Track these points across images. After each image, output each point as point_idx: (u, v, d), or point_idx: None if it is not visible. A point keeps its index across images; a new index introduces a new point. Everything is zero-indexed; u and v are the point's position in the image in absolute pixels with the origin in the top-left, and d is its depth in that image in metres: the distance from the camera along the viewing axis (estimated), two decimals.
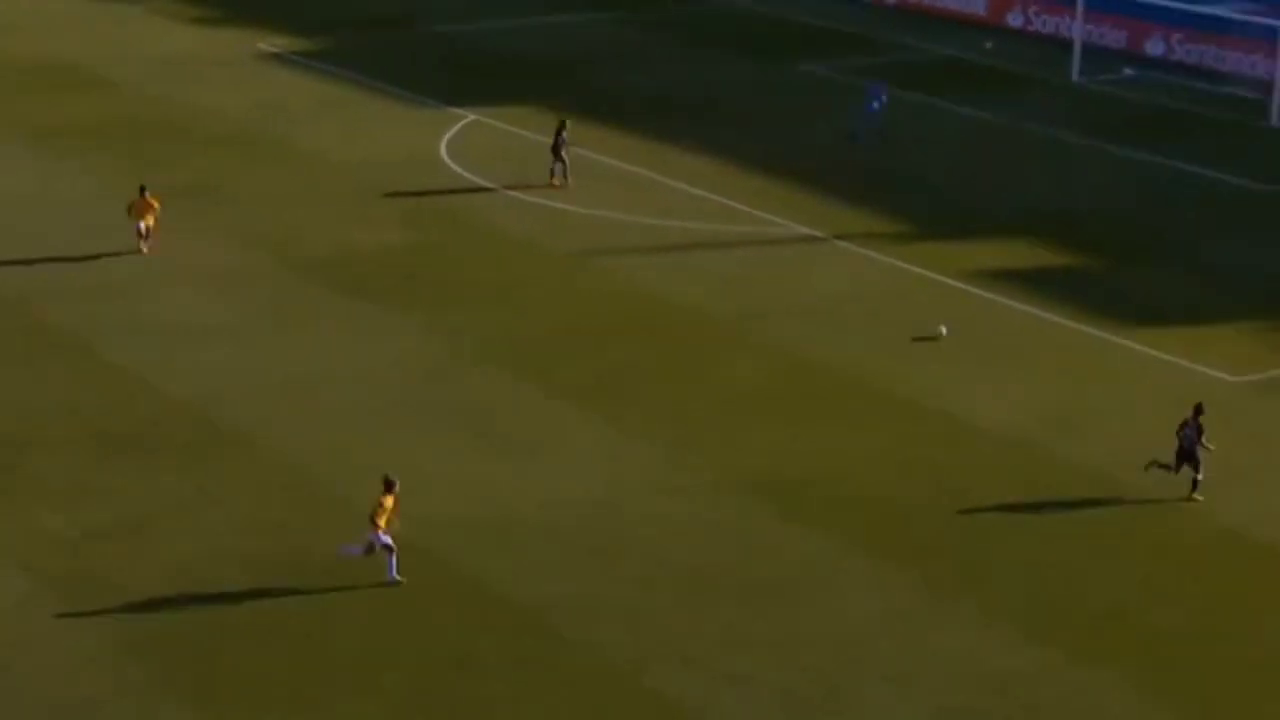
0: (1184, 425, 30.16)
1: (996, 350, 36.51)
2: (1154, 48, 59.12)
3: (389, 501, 27.43)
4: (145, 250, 40.31)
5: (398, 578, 27.49)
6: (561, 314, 38.14)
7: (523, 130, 50.86)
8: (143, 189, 40.53)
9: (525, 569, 27.99)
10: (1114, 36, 59.80)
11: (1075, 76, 57.09)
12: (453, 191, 45.93)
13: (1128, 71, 57.99)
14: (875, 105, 50.01)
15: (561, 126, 45.75)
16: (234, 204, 44.67)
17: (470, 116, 52.33)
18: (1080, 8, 57.92)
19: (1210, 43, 57.54)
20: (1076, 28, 58.41)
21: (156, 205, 40.59)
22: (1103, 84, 56.73)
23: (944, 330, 33.87)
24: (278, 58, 59.25)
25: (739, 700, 24.80)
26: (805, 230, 43.27)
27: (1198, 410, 30.26)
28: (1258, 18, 54.59)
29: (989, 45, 60.95)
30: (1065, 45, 58.92)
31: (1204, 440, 29.95)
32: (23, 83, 55.48)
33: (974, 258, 41.51)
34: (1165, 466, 30.26)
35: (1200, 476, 30.07)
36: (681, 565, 28.18)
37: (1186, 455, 30.05)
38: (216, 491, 30.26)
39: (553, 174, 45.73)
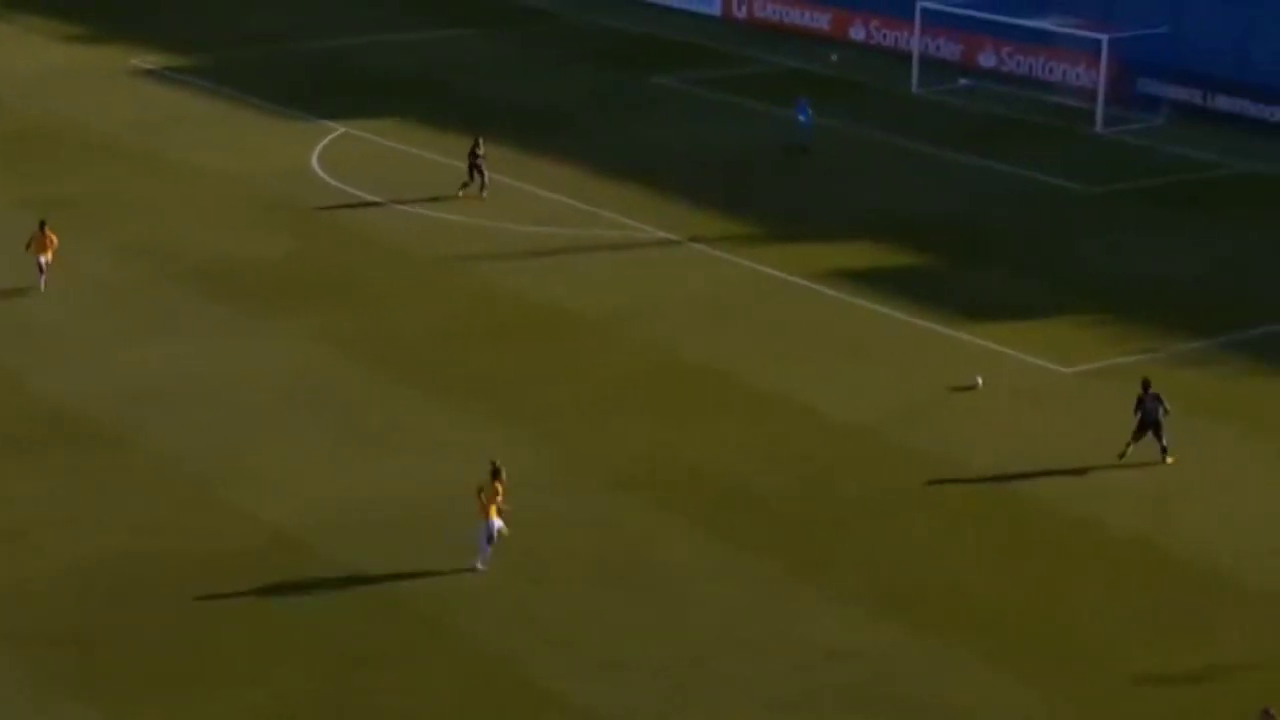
0: (1141, 401, 31.67)
1: (845, 346, 37.18)
2: (986, 60, 60.27)
3: (499, 487, 27.59)
4: (44, 287, 38.26)
5: (480, 567, 27.58)
6: (435, 318, 38.23)
7: (391, 142, 50.80)
8: (43, 224, 38.73)
9: (407, 565, 28.08)
10: (949, 49, 60.88)
11: (914, 87, 58.08)
12: (325, 201, 45.77)
13: (963, 82, 59.11)
14: (803, 117, 50.84)
15: (476, 143, 45.35)
16: (110, 216, 44.18)
17: (340, 129, 52.15)
18: (918, 22, 58.93)
19: (1038, 54, 58.80)
20: (914, 41, 59.43)
21: (56, 240, 38.58)
22: (940, 94, 57.78)
23: (980, 381, 34.45)
24: (151, 74, 58.58)
25: (615, 684, 25.12)
26: (663, 234, 43.71)
27: (1146, 384, 31.79)
28: (1080, 31, 55.85)
29: (834, 58, 61.77)
30: (905, 57, 59.91)
31: (1166, 407, 31.49)
32: None
33: (823, 259, 42.19)
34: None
35: (1165, 443, 31.51)
36: (558, 557, 28.44)
37: (1149, 425, 31.45)
38: (98, 494, 30.01)
39: (464, 186, 45.21)
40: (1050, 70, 58.50)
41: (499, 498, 27.72)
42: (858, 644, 26.18)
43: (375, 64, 60.77)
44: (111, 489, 30.15)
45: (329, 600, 27.04)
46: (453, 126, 52.28)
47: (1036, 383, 33.40)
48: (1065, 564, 28.69)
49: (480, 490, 27.88)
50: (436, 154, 49.69)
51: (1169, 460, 31.66)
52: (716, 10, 68.45)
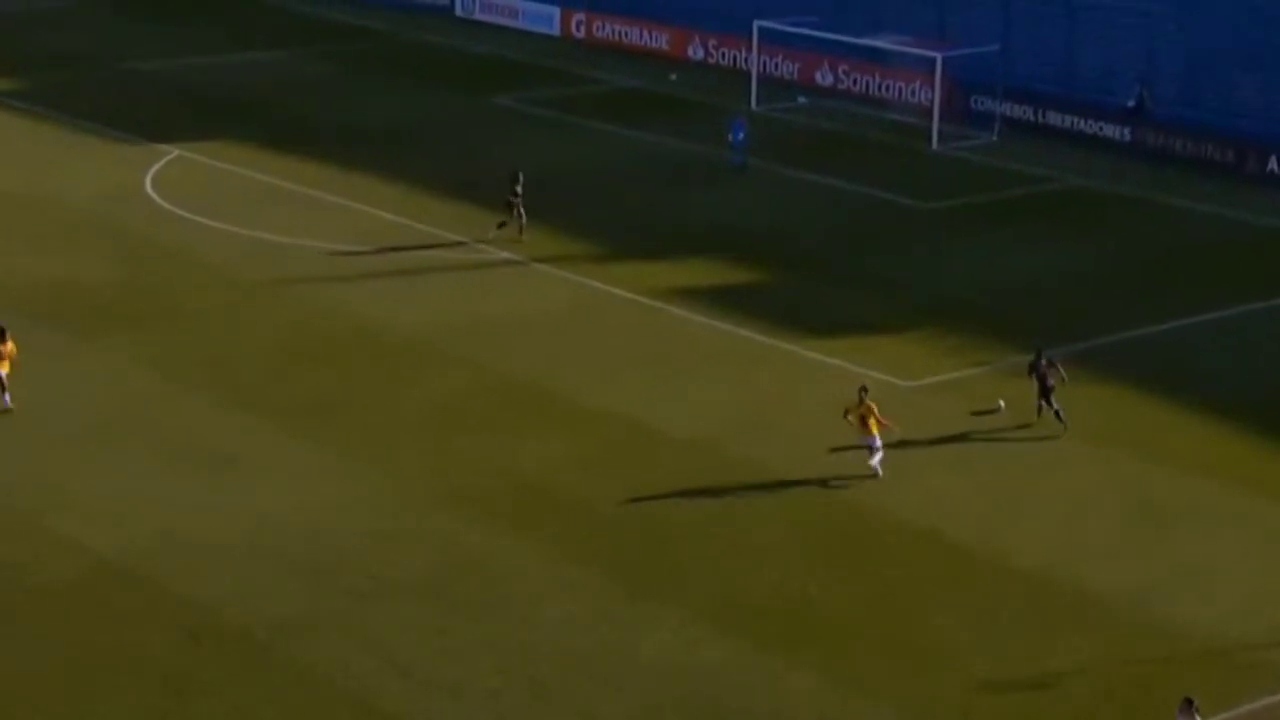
0: (1033, 366, 33.24)
1: (683, 362, 37.06)
2: (823, 78, 60.75)
3: (871, 405, 31.02)
4: (9, 403, 33.28)
5: (879, 469, 31.04)
6: (265, 339, 37.51)
7: (226, 164, 49.92)
8: (3, 330, 33.62)
9: (236, 589, 27.40)
10: (787, 68, 61.27)
11: (753, 105, 58.32)
12: (156, 225, 44.83)
13: (800, 100, 59.49)
14: (740, 135, 50.88)
15: (515, 180, 43.63)
16: None
17: (174, 152, 51.17)
18: (755, 41, 59.23)
19: (874, 73, 59.36)
20: (752, 59, 59.72)
21: (13, 350, 33.52)
22: (778, 111, 58.08)
23: (1002, 404, 34.25)
24: None
25: (452, 708, 24.65)
26: (500, 254, 43.34)
27: (1039, 351, 33.47)
28: (915, 49, 56.49)
29: (673, 77, 61.90)
30: (743, 76, 60.17)
31: (1062, 375, 33.08)
32: None
33: (661, 276, 42.08)
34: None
35: (1058, 408, 32.99)
36: (391, 578, 27.91)
37: (1045, 392, 32.90)
38: None
39: (501, 225, 43.38)
40: (886, 88, 59.08)
41: (874, 416, 31.06)
42: (699, 660, 25.95)
43: (206, 86, 59.81)
44: None
45: (155, 630, 26.26)
46: (289, 148, 51.55)
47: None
48: (904, 574, 28.72)
49: (847, 411, 31.37)
50: (272, 176, 48.91)
51: (1064, 423, 33.13)
52: (555, 30, 68.35)
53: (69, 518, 29.36)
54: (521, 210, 43.82)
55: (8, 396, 33.18)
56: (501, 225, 43.87)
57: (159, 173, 49.27)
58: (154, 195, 47.24)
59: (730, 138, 51.57)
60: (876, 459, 31.39)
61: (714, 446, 32.94)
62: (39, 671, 25.12)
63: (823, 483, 31.52)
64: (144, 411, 33.65)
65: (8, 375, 33.16)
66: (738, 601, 27.60)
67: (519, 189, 43.83)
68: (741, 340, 38.39)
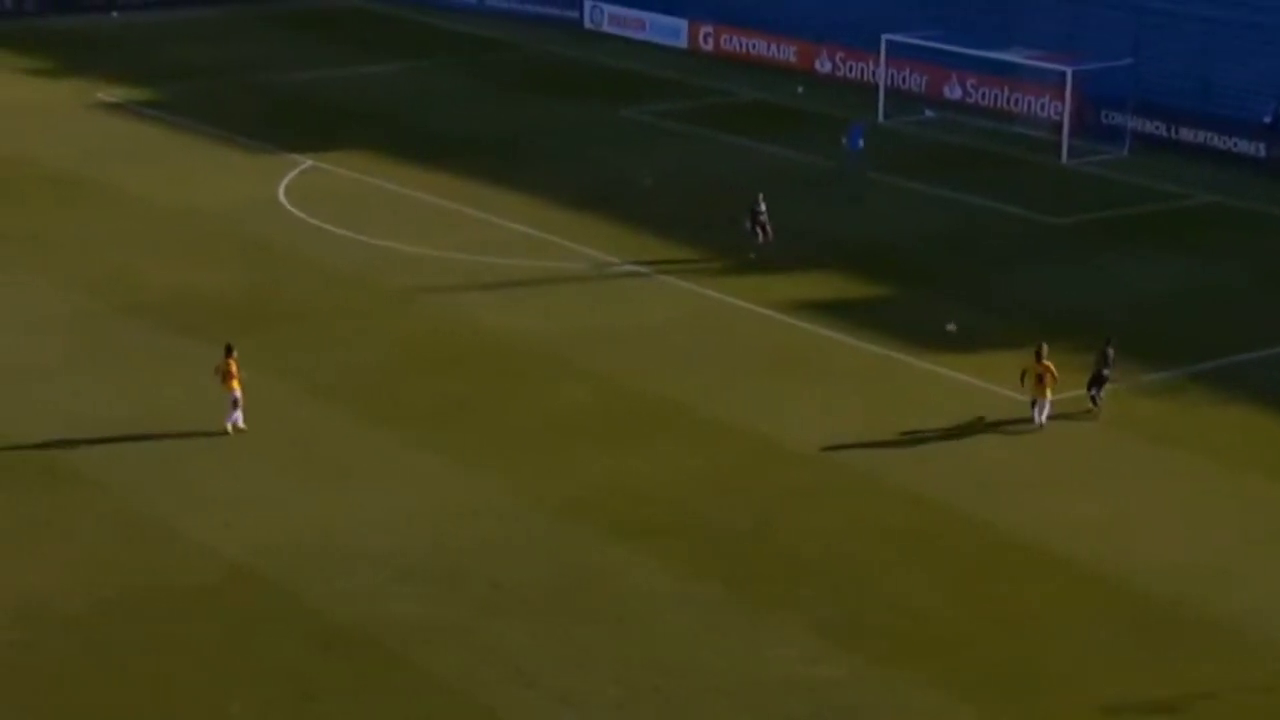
0: (1102, 355, 34.26)
1: (806, 375, 36.99)
2: (952, 91, 60.39)
3: (1048, 364, 33.07)
4: (240, 427, 33.30)
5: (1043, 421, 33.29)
6: (393, 348, 37.97)
7: (358, 174, 50.59)
8: (229, 348, 33.75)
9: (363, 595, 27.76)
10: (915, 80, 60.98)
11: (881, 118, 58.13)
12: (289, 234, 45.55)
13: (928, 113, 59.19)
14: (860, 143, 51.12)
15: (757, 201, 43.82)
16: (67, 249, 43.84)
17: (307, 162, 51.96)
18: (883, 54, 59.03)
19: (1003, 86, 58.91)
20: (880, 73, 59.52)
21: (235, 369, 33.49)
22: (905, 125, 57.82)
23: (952, 327, 36.33)
24: (116, 107, 58.36)
25: (574, 716, 24.80)
26: (627, 265, 43.56)
27: (1108, 340, 34.28)
28: (1045, 63, 56.01)
29: (800, 90, 61.84)
30: (870, 89, 59.98)
31: (1109, 365, 34.11)
32: None
33: (785, 288, 42.05)
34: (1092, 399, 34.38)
35: (1097, 394, 34.17)
36: (516, 587, 28.13)
37: (1097, 380, 34.01)
38: (57, 528, 29.64)
39: (754, 249, 43.50)
40: (1015, 102, 58.62)
41: (1050, 374, 32.78)
42: (821, 675, 25.89)
43: (340, 97, 60.67)
44: (68, 523, 29.76)
45: (285, 635, 26.68)
46: (419, 158, 52.17)
47: (1000, 414, 33.26)
48: (1025, 593, 28.46)
49: (1024, 373, 33.30)
50: (402, 186, 49.50)
51: (1091, 410, 34.25)
52: (683, 42, 68.57)
53: (202, 522, 29.92)
54: (767, 226, 43.77)
55: (239, 415, 33.13)
56: (754, 248, 43.72)
57: (292, 183, 50.07)
58: (287, 205, 48.02)
59: (848, 144, 51.59)
60: (1045, 415, 33.39)
61: (836, 461, 32.86)
62: (171, 674, 25.61)
63: (945, 500, 31.33)
64: (274, 418, 34.19)
65: (241, 394, 33.14)
66: (859, 617, 27.51)
67: (761, 208, 43.80)
68: (865, 354, 38.26)
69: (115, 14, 72.74)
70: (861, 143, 51.61)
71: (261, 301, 40.55)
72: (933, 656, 26.47)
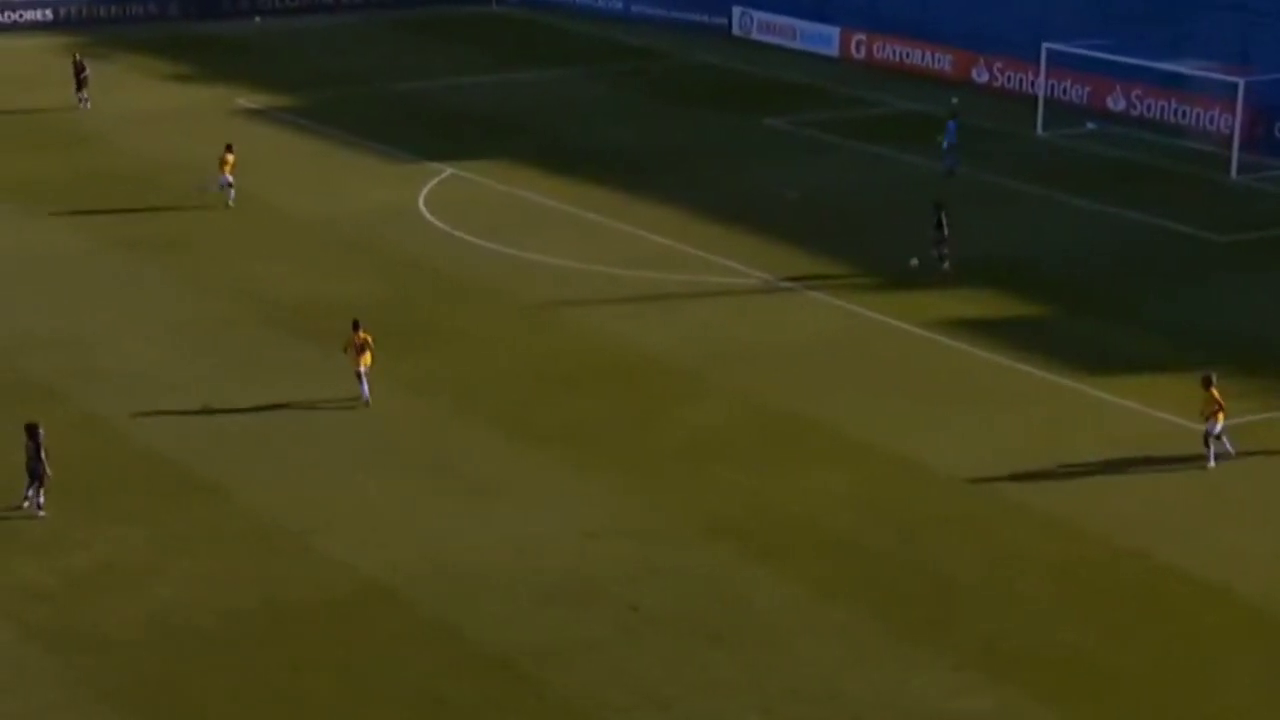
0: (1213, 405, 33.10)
1: (956, 396, 36.68)
2: (1115, 103, 59.62)
3: (1216, 395, 32.39)
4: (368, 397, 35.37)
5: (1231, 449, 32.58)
6: (530, 362, 38.24)
7: (498, 183, 51.05)
8: (356, 323, 35.81)
9: (496, 614, 27.98)
10: (1076, 92, 60.30)
11: (1039, 130, 57.53)
12: (428, 243, 46.07)
13: (1090, 126, 58.47)
14: (954, 140, 51.31)
15: (939, 209, 43.72)
16: (206, 256, 44.71)
17: (448, 171, 52.54)
18: (1044, 64, 58.42)
19: (1170, 98, 58.03)
20: (1040, 84, 58.90)
21: (368, 338, 35.60)
22: (1066, 138, 57.17)
23: (915, 262, 36.24)
24: (257, 113, 59.44)
25: None
26: (770, 279, 43.49)
27: (1207, 381, 33.08)
28: (1215, 74, 55.08)
29: (955, 101, 61.38)
30: (1029, 100, 59.39)
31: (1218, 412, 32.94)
32: (2, 138, 55.54)
33: (938, 306, 41.74)
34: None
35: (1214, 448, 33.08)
36: (651, 609, 28.18)
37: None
38: (189, 541, 30.20)
39: (940, 258, 43.41)
40: (1183, 115, 57.73)
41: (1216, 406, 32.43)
42: (968, 708, 25.64)
43: (482, 105, 61.29)
44: (204, 536, 30.32)
45: (416, 653, 26.95)
46: (560, 168, 52.52)
47: (1162, 440, 32.72)
48: (1190, 631, 27.95)
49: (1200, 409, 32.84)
50: (543, 196, 49.86)
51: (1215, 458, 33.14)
52: (834, 51, 68.38)
53: (335, 538, 30.33)
54: (948, 238, 43.66)
55: (366, 389, 35.09)
56: (942, 259, 43.56)
57: (432, 192, 50.65)
58: (426, 214, 48.57)
59: (943, 142, 51.38)
60: (1223, 442, 32.90)
61: (986, 487, 32.53)
62: (303, 691, 25.98)
63: (1101, 530, 30.87)
64: (409, 433, 34.58)
65: (368, 370, 35.05)
66: (1007, 649, 27.20)
67: (944, 220, 43.61)
68: (1019, 375, 37.84)
69: (259, 19, 74.12)
70: (955, 140, 51.52)
71: (399, 313, 41.03)
72: (1089, 695, 26.08)
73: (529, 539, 30.34)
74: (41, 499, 30.86)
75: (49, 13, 72.45)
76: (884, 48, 66.84)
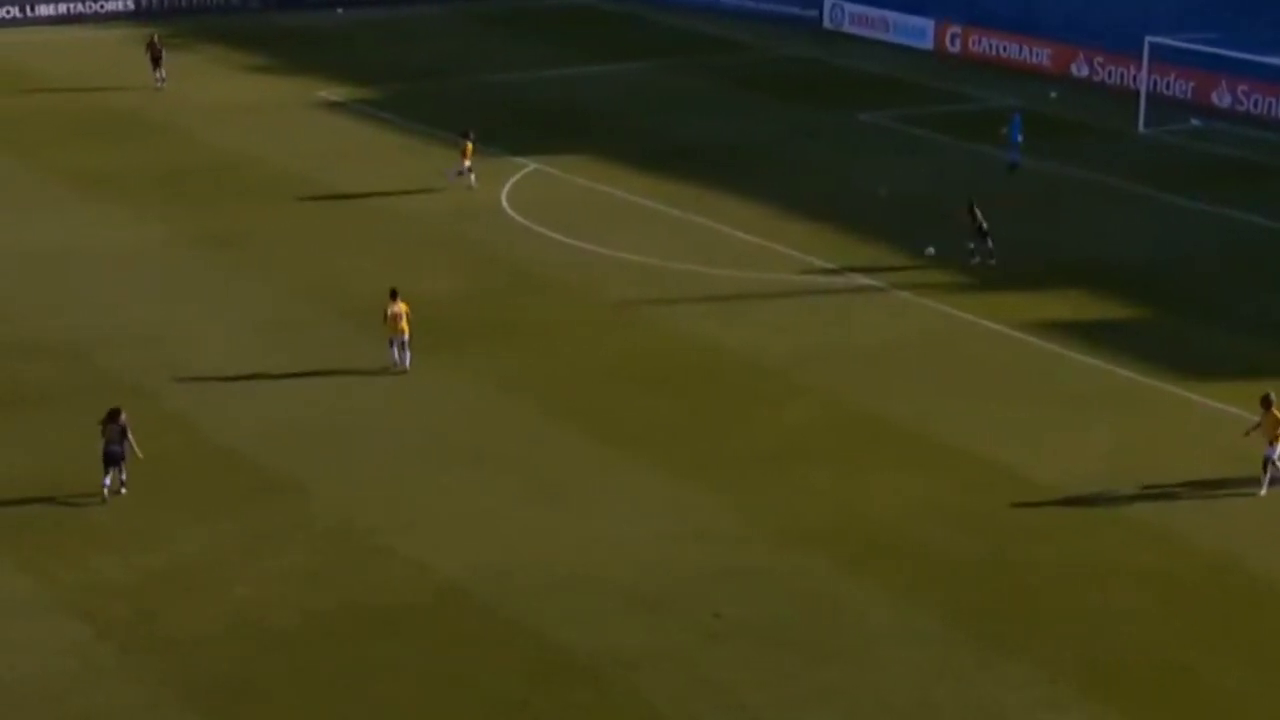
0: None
1: (1049, 400, 36.50)
2: (1221, 99, 59.08)
3: (1277, 414, 31.54)
4: (398, 362, 37.08)
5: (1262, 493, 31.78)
6: (613, 361, 38.40)
7: (581, 179, 51.25)
8: (394, 292, 37.51)
9: (578, 619, 28.13)
10: (1180, 87, 59.82)
11: (1141, 127, 57.11)
12: (511, 239, 46.34)
13: (1194, 122, 57.97)
14: (1017, 135, 51.30)
15: (972, 206, 44.11)
16: (286, 251, 45.16)
17: (531, 166, 52.81)
18: (1146, 59, 57.97)
19: (1278, 94, 57.42)
20: (1142, 79, 58.46)
21: (407, 309, 37.19)
22: (1169, 135, 56.72)
23: (931, 251, 37.51)
24: (338, 106, 59.96)
25: None
26: (860, 278, 43.44)
27: (1266, 402, 32.23)
28: None
29: (1053, 95, 61.05)
30: (1131, 96, 58.96)
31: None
32: (80, 130, 56.39)
33: (1032, 307, 41.56)
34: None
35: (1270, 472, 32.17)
36: (739, 617, 28.22)
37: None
38: (269, 539, 30.57)
39: (974, 254, 43.81)
40: None
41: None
42: None
43: (566, 98, 61.52)
44: (284, 535, 30.65)
45: (496, 657, 27.16)
46: (645, 163, 52.67)
47: (1262, 446, 32.37)
48: None
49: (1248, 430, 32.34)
50: (627, 192, 50.02)
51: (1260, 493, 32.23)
52: (928, 44, 68.16)
53: (415, 538, 30.60)
54: (987, 234, 43.97)
55: (408, 356, 36.84)
56: (991, 254, 43.88)
57: (515, 187, 50.93)
58: (509, 210, 48.86)
59: (1008, 135, 51.18)
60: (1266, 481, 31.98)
61: (1081, 494, 32.37)
62: (382, 694, 26.22)
63: (1201, 542, 30.64)
64: (491, 433, 34.82)
65: (406, 339, 36.76)
66: (1103, 664, 27.07)
67: (978, 211, 43.94)
68: (1116, 379, 37.63)
69: (340, 10, 74.76)
70: (1020, 136, 51.31)
71: (480, 309, 41.31)
72: (1191, 713, 25.90)
73: (611, 542, 30.50)
74: (124, 476, 31.63)
75: (130, 2, 73.41)
76: (980, 41, 66.56)
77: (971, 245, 44.19)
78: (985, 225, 43.90)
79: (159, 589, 28.89)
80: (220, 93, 61.45)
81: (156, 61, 61.32)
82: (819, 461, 33.65)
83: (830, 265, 44.38)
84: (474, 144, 49.91)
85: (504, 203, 49.47)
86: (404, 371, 36.89)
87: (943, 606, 28.57)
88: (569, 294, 42.42)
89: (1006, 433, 34.81)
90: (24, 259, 44.45)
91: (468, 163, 49.64)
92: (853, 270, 43.98)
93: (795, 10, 72.73)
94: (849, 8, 70.94)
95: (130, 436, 31.55)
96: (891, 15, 69.45)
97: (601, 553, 30.12)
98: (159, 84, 61.08)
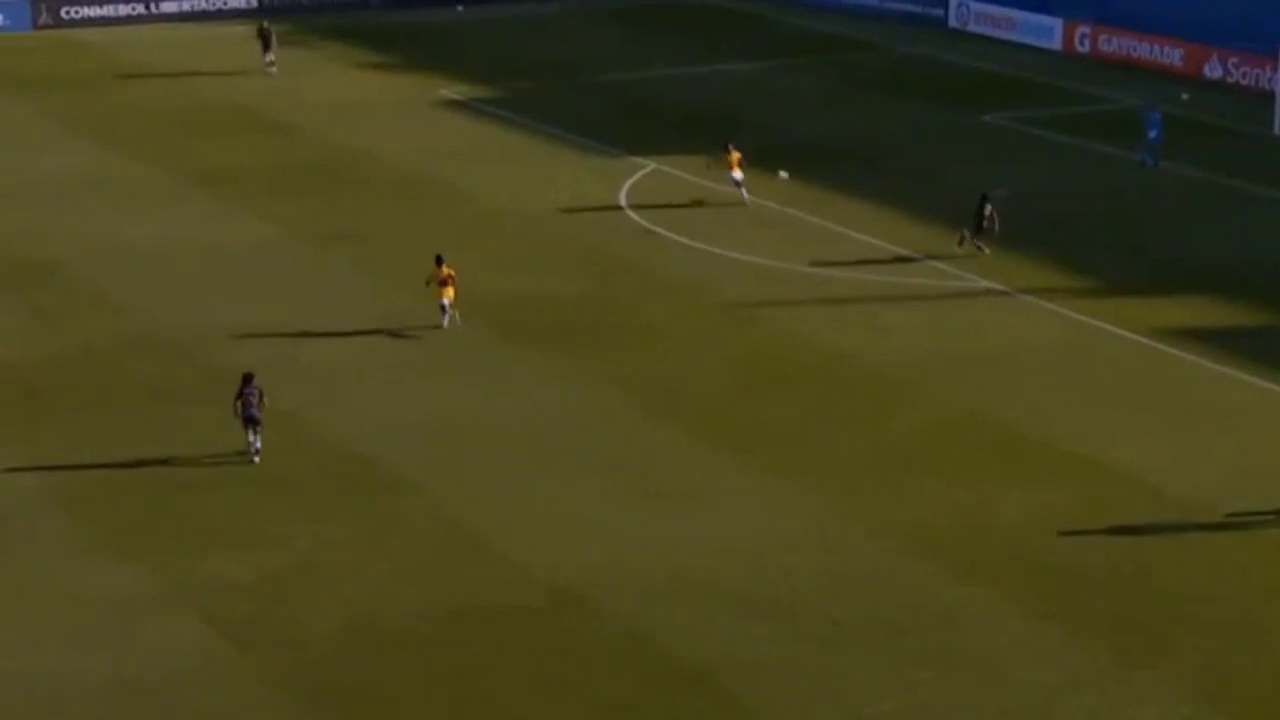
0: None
1: (1182, 410, 35.85)
2: None
3: None
4: (447, 324, 39.38)
5: None
6: (729, 363, 38.18)
7: (702, 179, 51.05)
8: (439, 258, 39.79)
9: (690, 624, 27.95)
10: None
11: (1277, 129, 56.04)
12: (629, 240, 46.26)
13: None
14: (1155, 133, 50.81)
15: (984, 198, 44.24)
16: (401, 250, 45.27)
17: (650, 165, 52.71)
18: None
19: None
20: (1278, 79, 57.35)
21: (452, 273, 39.61)
22: None
23: (784, 175, 36.02)
24: (458, 104, 60.19)
25: None
26: (984, 282, 42.92)
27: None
28: None
29: (1185, 97, 60.05)
30: (1266, 98, 57.87)
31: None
32: (202, 127, 57.00)
33: (1162, 314, 40.86)
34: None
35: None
36: (853, 623, 27.94)
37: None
38: (384, 540, 30.66)
39: (961, 240, 44.18)
40: None
41: None
42: None
43: (687, 97, 61.38)
44: (396, 536, 30.74)
45: (604, 661, 27.05)
46: (765, 163, 52.35)
47: None
48: None
49: None
50: (749, 193, 49.70)
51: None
52: (1056, 43, 67.33)
53: (527, 541, 30.56)
54: (988, 226, 44.23)
55: (455, 315, 39.10)
56: (971, 240, 44.25)
57: (634, 186, 50.85)
58: (628, 210, 48.79)
59: (1147, 133, 50.45)
60: None
61: (1214, 506, 31.73)
62: (493, 696, 26.20)
63: None
64: (605, 435, 34.72)
65: (451, 302, 39.04)
66: (1234, 679, 26.49)
67: (987, 207, 44.13)
68: (1252, 390, 36.88)
69: (461, 8, 75.09)
70: (1156, 132, 50.54)
71: (596, 309, 41.26)
72: None
73: (725, 547, 30.29)
74: (259, 444, 32.75)
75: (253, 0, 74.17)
76: (1109, 40, 65.63)
77: (965, 232, 44.26)
78: (988, 222, 43.95)
79: (276, 587, 29.05)
80: (340, 90, 61.91)
81: (266, 46, 62.86)
82: (941, 468, 33.24)
83: (951, 269, 43.89)
84: (740, 153, 48.09)
85: (623, 202, 49.40)
86: (447, 327, 39.01)
87: (1069, 619, 28.08)
88: (685, 295, 42.26)
89: (1135, 442, 34.21)
90: (140, 254, 44.97)
91: (739, 173, 48.01)
92: (975, 274, 43.45)
93: (919, 9, 72.14)
94: (975, 6, 70.23)
95: (263, 401, 32.84)
96: (1018, 14, 68.65)
97: (715, 557, 29.92)
98: (269, 69, 62.53)
